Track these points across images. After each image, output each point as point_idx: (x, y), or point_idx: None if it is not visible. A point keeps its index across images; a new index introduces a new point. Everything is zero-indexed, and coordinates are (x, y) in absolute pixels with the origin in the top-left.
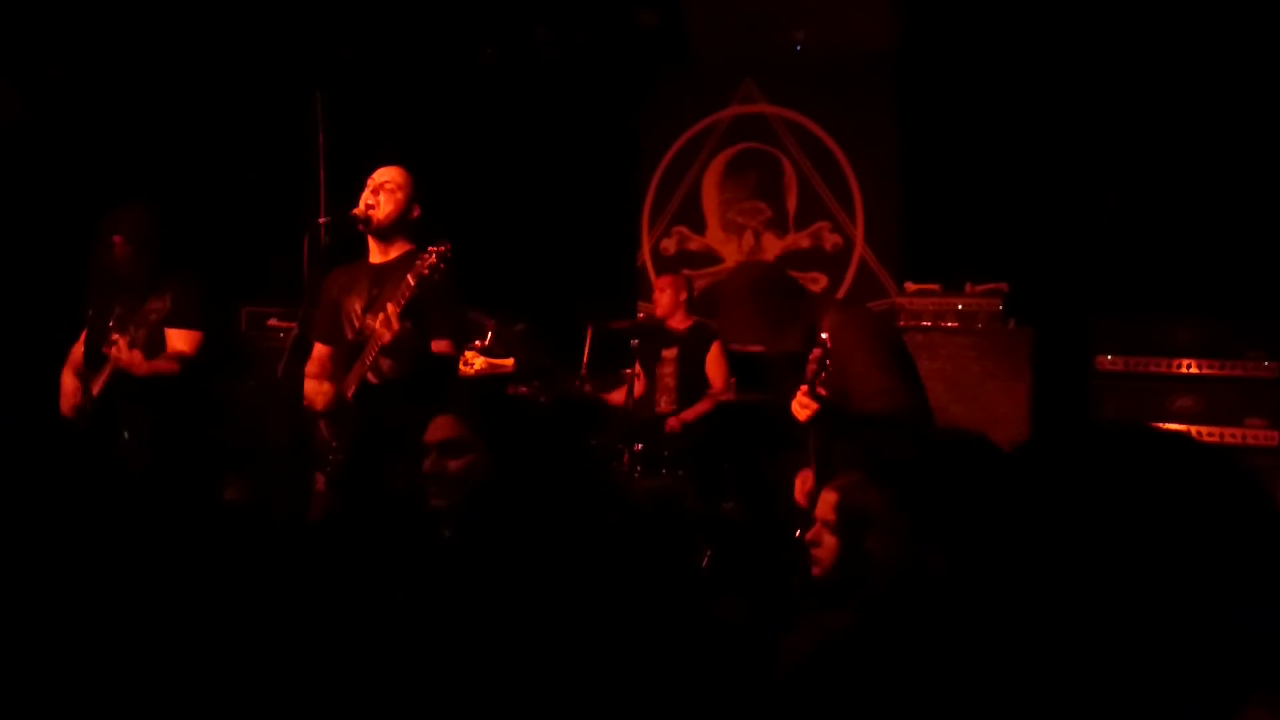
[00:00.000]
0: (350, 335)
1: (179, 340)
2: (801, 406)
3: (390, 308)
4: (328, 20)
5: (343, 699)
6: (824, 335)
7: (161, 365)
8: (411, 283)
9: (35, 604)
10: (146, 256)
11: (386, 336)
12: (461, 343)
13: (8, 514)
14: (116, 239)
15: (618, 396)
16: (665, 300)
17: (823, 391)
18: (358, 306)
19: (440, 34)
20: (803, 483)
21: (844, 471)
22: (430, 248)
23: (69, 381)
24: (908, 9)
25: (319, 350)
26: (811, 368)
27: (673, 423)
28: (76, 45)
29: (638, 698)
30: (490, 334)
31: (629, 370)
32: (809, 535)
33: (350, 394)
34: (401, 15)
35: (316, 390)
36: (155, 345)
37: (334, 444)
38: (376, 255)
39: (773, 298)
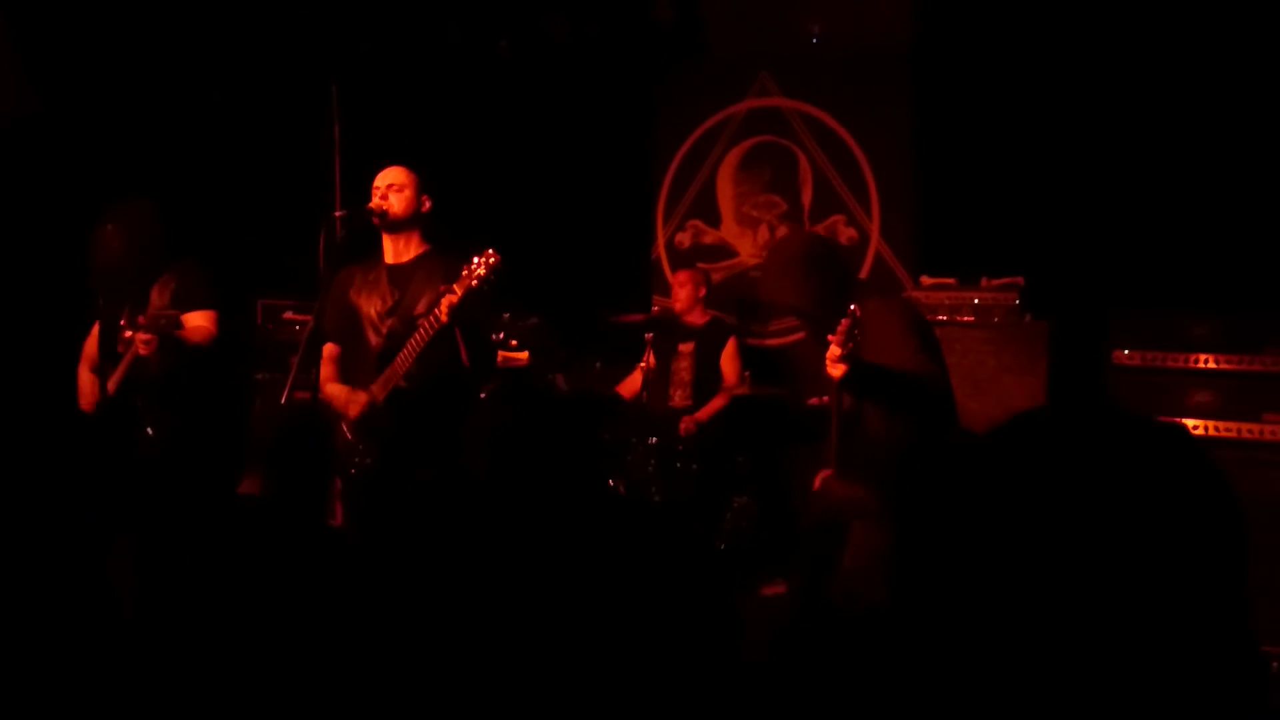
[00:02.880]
0: (374, 341)
1: (197, 320)
2: (833, 363)
3: (439, 310)
4: (343, 13)
5: (351, 697)
6: (853, 306)
7: (193, 334)
8: (459, 292)
9: (53, 602)
10: (145, 249)
11: (458, 313)
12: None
13: (27, 511)
14: (109, 227)
15: (627, 388)
16: (685, 295)
17: (850, 346)
18: (376, 310)
19: (455, 27)
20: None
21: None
22: (477, 258)
23: (85, 378)
24: (924, 2)
25: (330, 350)
26: (840, 337)
27: (687, 423)
28: (92, 37)
29: (645, 696)
30: (504, 328)
31: (643, 364)
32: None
33: (382, 399)
34: (417, 8)
35: (349, 398)
36: (169, 336)
37: (360, 447)
38: (392, 255)
39: (821, 265)
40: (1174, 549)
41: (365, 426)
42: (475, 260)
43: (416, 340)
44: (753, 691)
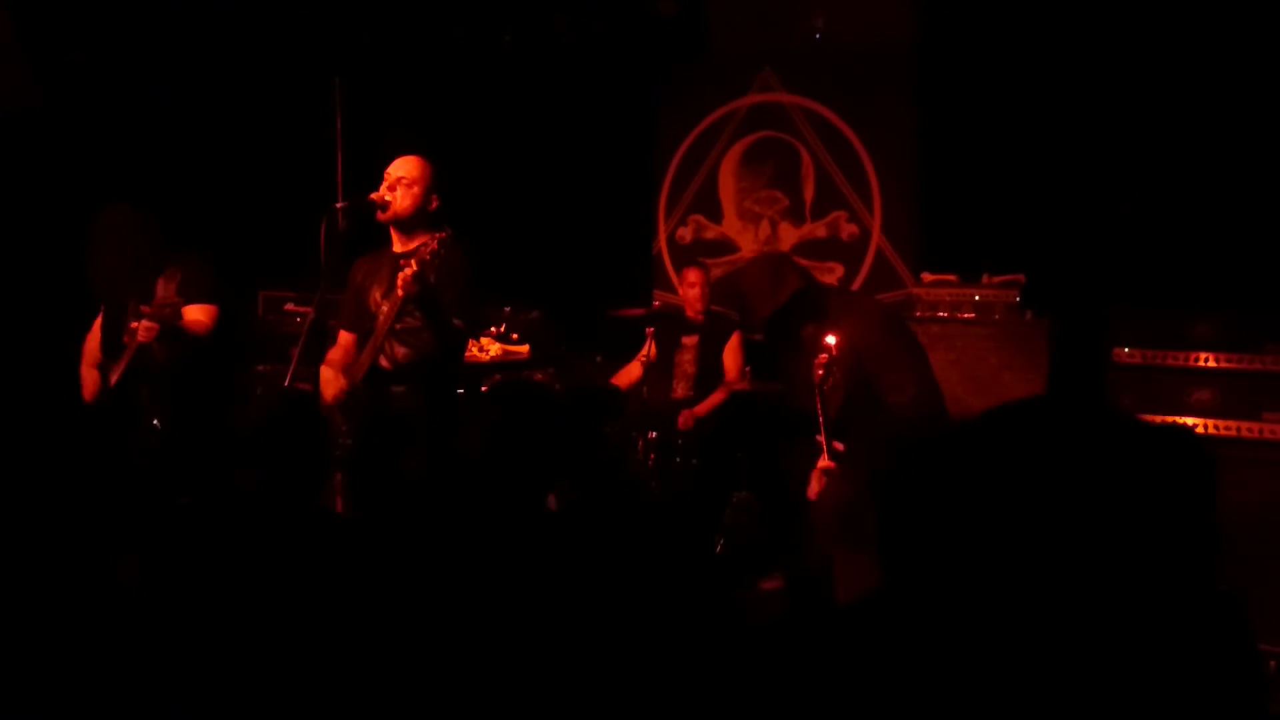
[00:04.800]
0: (369, 324)
1: (195, 314)
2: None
3: (405, 274)
4: (346, 6)
5: (353, 686)
6: (830, 340)
7: (190, 326)
8: (415, 268)
9: (61, 594)
10: (140, 252)
11: (414, 290)
12: (474, 324)
13: (32, 505)
14: (107, 249)
15: (624, 378)
16: (695, 294)
17: (830, 382)
18: (378, 295)
19: (459, 20)
20: (816, 481)
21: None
22: (430, 234)
23: (89, 375)
24: None
25: (344, 337)
26: (818, 374)
27: (685, 417)
28: (95, 30)
29: (647, 690)
30: (505, 321)
31: (642, 357)
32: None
33: (359, 378)
34: (421, 2)
35: (330, 380)
36: (170, 326)
37: (344, 428)
38: (399, 244)
39: (780, 288)
40: (1151, 534)
41: (348, 407)
42: (429, 236)
43: (384, 318)
44: (750, 682)
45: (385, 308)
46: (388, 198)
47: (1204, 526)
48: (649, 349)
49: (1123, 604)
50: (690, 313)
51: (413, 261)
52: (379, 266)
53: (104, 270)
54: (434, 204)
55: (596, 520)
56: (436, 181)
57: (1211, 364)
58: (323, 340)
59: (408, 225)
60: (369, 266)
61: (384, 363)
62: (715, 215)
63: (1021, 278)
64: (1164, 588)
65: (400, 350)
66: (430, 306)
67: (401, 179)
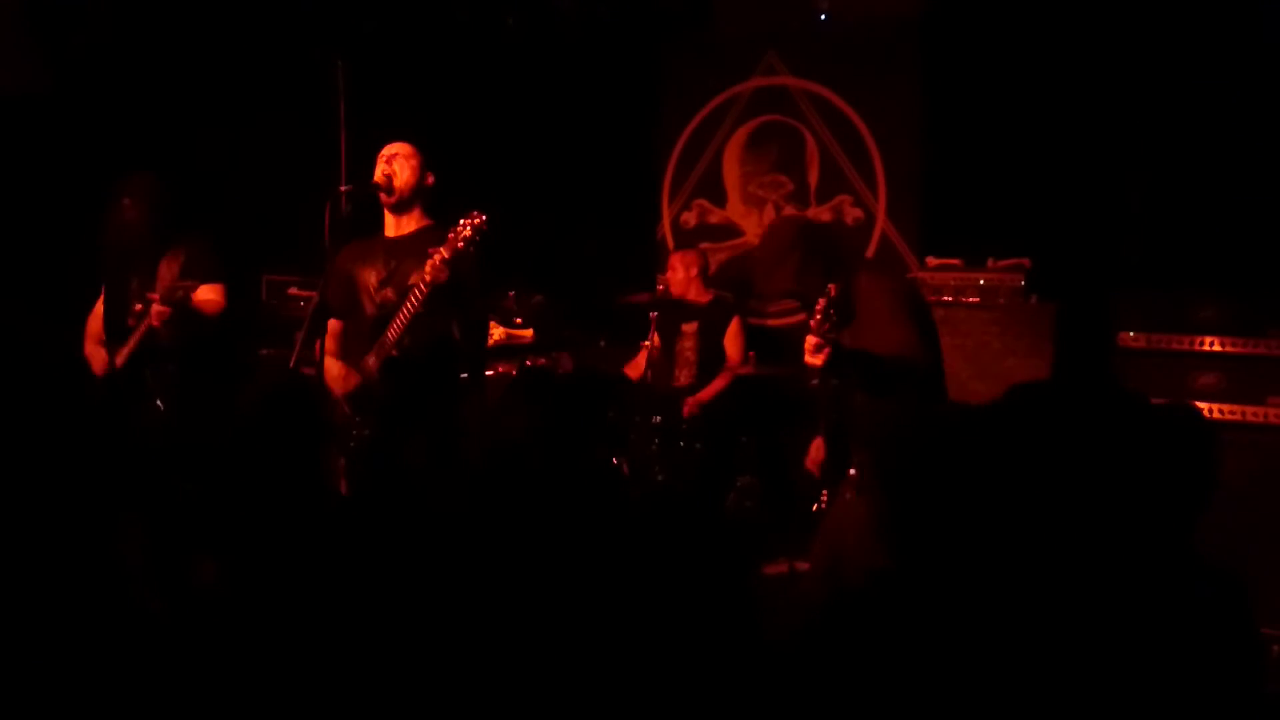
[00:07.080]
0: (370, 311)
1: (206, 293)
2: (813, 353)
3: (434, 261)
4: None
5: (360, 677)
6: (830, 285)
7: (202, 306)
8: (447, 255)
9: (63, 579)
10: (156, 220)
11: (444, 276)
12: (492, 301)
13: (36, 480)
14: (126, 201)
15: (634, 368)
16: (678, 278)
17: (827, 327)
18: (373, 281)
19: (462, 3)
20: (816, 450)
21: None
22: (464, 220)
23: (96, 352)
24: None
25: (334, 325)
26: (818, 316)
27: (690, 404)
28: (101, 12)
29: (653, 683)
30: (509, 305)
31: (646, 343)
32: None
33: (375, 369)
34: None
35: (339, 376)
36: (181, 308)
37: (357, 420)
38: (392, 229)
39: (805, 250)
40: (1152, 508)
41: (362, 399)
42: (461, 222)
43: (408, 307)
44: (772, 669)
45: (392, 294)
46: (388, 172)
47: (1204, 496)
48: (652, 336)
49: (1125, 578)
50: (675, 296)
51: (442, 249)
52: (371, 252)
53: (122, 235)
54: (430, 180)
55: (604, 507)
56: (428, 160)
57: (1216, 348)
58: (326, 326)
59: (407, 203)
60: (358, 253)
61: (394, 351)
62: (719, 200)
63: (1027, 262)
64: (1164, 553)
65: (409, 338)
66: (455, 291)
67: (397, 154)
